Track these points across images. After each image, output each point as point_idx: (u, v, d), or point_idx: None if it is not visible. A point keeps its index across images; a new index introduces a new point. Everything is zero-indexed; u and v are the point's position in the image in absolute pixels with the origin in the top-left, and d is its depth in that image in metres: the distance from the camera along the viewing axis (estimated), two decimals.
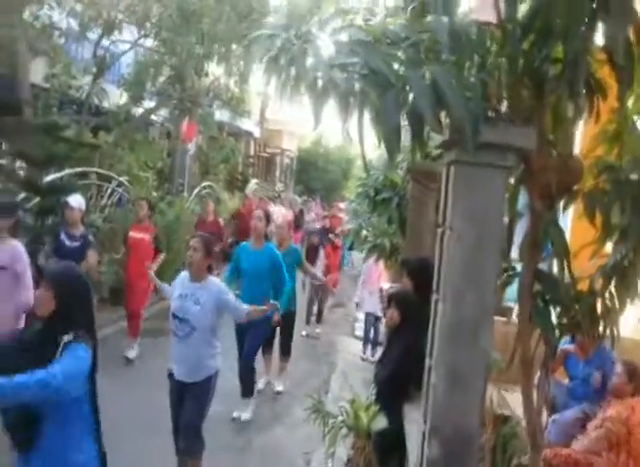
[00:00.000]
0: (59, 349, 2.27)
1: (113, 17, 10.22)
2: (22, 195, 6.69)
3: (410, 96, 2.18)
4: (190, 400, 3.61)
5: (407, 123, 2.11)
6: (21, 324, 4.25)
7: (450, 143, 2.09)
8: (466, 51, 2.16)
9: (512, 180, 2.28)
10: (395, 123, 1.95)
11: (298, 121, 24.63)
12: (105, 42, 10.57)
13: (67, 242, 5.47)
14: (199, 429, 3.64)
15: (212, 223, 9.10)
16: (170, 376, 3.72)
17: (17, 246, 4.26)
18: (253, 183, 14.75)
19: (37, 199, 6.74)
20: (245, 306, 3.79)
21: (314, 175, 25.23)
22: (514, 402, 3.20)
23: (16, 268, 4.16)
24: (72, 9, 9.80)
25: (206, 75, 12.42)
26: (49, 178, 7.07)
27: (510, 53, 2.13)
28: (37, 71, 9.02)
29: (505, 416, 2.86)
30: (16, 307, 4.18)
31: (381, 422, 2.55)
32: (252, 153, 23.23)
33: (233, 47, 11.49)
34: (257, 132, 22.11)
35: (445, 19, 2.10)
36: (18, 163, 7.87)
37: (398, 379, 2.95)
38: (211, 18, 10.12)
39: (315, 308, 8.69)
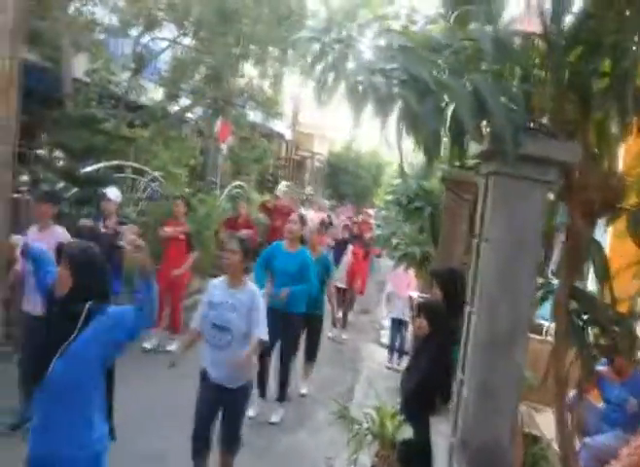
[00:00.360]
0: (83, 314, 2.37)
1: (153, 15, 10.41)
2: (61, 184, 6.88)
3: (451, 104, 2.15)
4: (231, 405, 3.61)
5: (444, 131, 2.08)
6: None
7: (490, 154, 2.06)
8: (509, 61, 2.13)
9: (551, 195, 2.23)
10: (434, 128, 1.93)
11: (329, 125, 24.67)
12: (145, 39, 10.78)
13: (103, 230, 5.72)
14: (241, 430, 3.68)
15: (244, 222, 9.15)
16: (204, 378, 3.63)
17: (63, 233, 4.38)
18: (283, 185, 14.80)
19: (74, 190, 6.92)
20: (265, 332, 3.61)
21: (344, 180, 25.17)
22: (542, 422, 3.10)
23: None
24: (114, 5, 10.04)
25: (241, 76, 12.54)
26: (86, 169, 7.25)
27: (554, 66, 2.09)
28: (79, 66, 9.24)
29: (534, 436, 2.79)
30: None
31: (407, 432, 2.52)
32: (283, 155, 23.35)
33: (269, 49, 11.58)
34: (288, 135, 22.22)
35: (489, 28, 2.07)
36: (57, 154, 8.10)
37: (425, 391, 2.91)
38: (250, 19, 10.22)
39: (340, 313, 8.66)
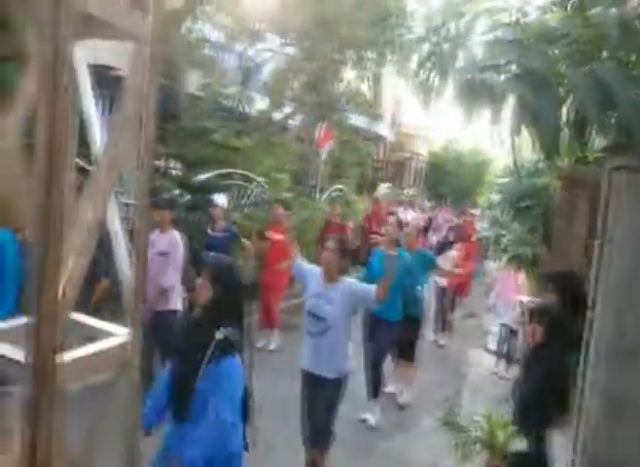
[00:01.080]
0: (211, 348, 2.41)
1: (257, 29, 10.83)
2: (176, 191, 7.40)
3: (569, 97, 2.04)
4: (322, 398, 3.69)
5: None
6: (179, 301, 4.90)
7: (616, 147, 1.91)
8: (637, 45, 1.97)
9: None
10: (553, 123, 1.84)
11: (431, 125, 24.24)
12: (250, 52, 11.25)
13: (212, 234, 6.15)
14: (330, 426, 3.72)
15: (336, 224, 9.22)
16: (304, 374, 3.78)
17: (177, 235, 4.87)
18: (384, 187, 14.76)
19: (188, 197, 7.41)
20: (371, 287, 3.67)
21: (444, 180, 24.64)
22: None
23: (175, 253, 4.78)
24: (221, 23, 10.57)
25: (341, 81, 12.66)
26: (199, 178, 7.73)
27: None
28: (191, 81, 9.84)
29: None
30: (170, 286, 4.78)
31: (520, 443, 2.39)
32: (382, 156, 23.28)
33: (367, 52, 11.59)
34: (388, 136, 22.11)
35: (613, 12, 1.93)
36: (172, 164, 8.70)
37: (541, 401, 2.75)
38: (348, 24, 10.30)
39: (441, 315, 8.41)
